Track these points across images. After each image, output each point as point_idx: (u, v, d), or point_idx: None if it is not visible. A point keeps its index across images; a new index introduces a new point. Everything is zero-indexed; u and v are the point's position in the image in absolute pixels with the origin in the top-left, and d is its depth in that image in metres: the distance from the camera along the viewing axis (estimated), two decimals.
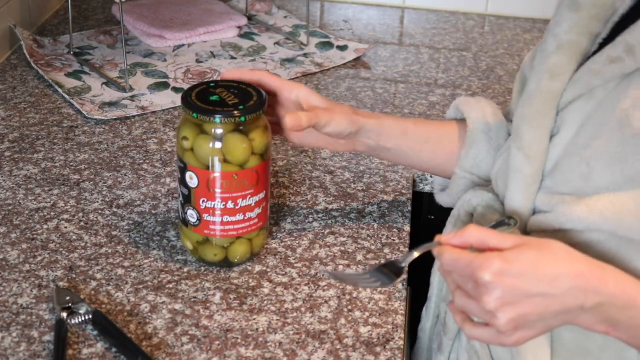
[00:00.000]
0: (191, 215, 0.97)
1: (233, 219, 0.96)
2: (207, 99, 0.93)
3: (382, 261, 0.87)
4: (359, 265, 1.01)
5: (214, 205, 0.95)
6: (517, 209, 0.87)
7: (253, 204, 0.96)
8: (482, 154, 1.01)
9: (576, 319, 0.76)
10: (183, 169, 0.95)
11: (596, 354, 0.84)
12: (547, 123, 0.86)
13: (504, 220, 0.86)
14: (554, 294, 0.74)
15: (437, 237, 0.80)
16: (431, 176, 1.21)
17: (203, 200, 0.95)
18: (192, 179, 0.95)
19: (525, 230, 0.87)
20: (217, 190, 0.94)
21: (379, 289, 0.97)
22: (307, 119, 0.94)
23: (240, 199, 0.95)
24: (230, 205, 0.95)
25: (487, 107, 1.04)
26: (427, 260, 1.04)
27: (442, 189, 1.11)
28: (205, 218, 0.96)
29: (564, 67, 0.85)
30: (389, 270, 0.83)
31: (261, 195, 0.96)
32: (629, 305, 0.75)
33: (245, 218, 0.96)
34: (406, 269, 0.84)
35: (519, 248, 0.75)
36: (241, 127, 0.93)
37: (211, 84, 0.97)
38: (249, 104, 0.92)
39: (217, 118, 0.91)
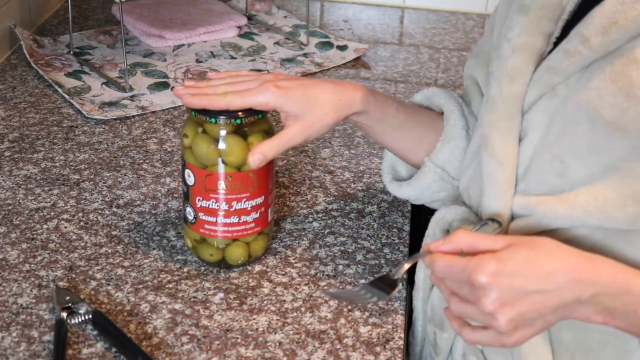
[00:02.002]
0: (189, 213, 0.97)
1: (228, 221, 0.95)
2: None
3: (375, 277, 0.86)
4: (359, 265, 1.01)
5: (209, 205, 0.95)
6: (495, 216, 0.87)
7: (249, 208, 0.96)
8: (458, 151, 1.00)
9: (574, 312, 0.76)
10: (183, 167, 0.96)
11: (597, 350, 0.84)
12: (514, 127, 0.85)
13: (487, 222, 0.86)
14: (551, 289, 0.74)
15: (426, 246, 0.80)
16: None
17: (199, 199, 0.95)
18: (189, 177, 0.95)
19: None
20: (212, 190, 0.94)
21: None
22: (270, 152, 0.90)
23: (235, 202, 0.94)
24: (224, 206, 0.95)
25: (462, 104, 1.03)
26: None
27: (397, 178, 1.07)
28: (201, 217, 0.96)
29: (521, 69, 0.85)
30: (384, 284, 0.83)
31: (259, 200, 0.96)
32: (624, 292, 0.75)
33: (241, 221, 0.96)
34: (400, 280, 0.84)
35: (511, 247, 0.75)
36: (243, 130, 0.92)
37: None
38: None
39: (213, 118, 0.91)
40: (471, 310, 0.77)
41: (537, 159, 0.84)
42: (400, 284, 0.84)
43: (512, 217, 0.86)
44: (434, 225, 0.96)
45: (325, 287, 0.97)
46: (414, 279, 0.99)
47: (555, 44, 0.85)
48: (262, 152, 0.90)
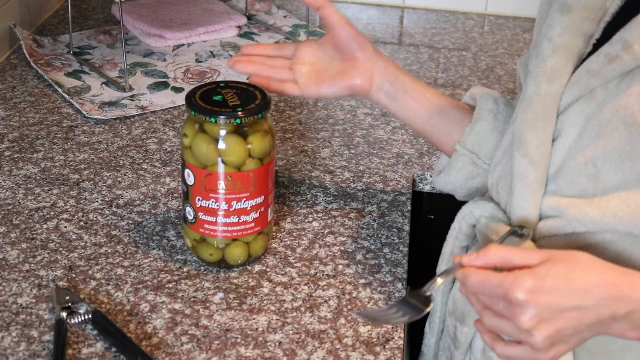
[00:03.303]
0: (189, 212, 0.97)
1: (228, 221, 0.95)
2: (210, 99, 0.93)
3: (406, 294, 0.84)
4: (359, 265, 1.01)
5: (209, 205, 0.95)
6: (524, 216, 0.86)
7: (249, 208, 0.96)
8: (486, 132, 1.00)
9: (609, 328, 0.76)
10: (183, 167, 0.96)
11: (619, 355, 0.83)
12: (549, 127, 0.85)
13: (516, 231, 0.84)
14: (588, 306, 0.73)
15: (458, 259, 0.78)
16: (431, 176, 1.21)
17: (199, 199, 0.95)
18: (189, 177, 0.95)
19: (534, 237, 0.86)
20: (212, 190, 0.94)
21: (379, 289, 0.97)
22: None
23: (235, 202, 0.94)
24: (224, 206, 0.95)
25: (499, 95, 1.04)
26: (427, 260, 1.05)
27: (440, 172, 1.09)
28: (200, 217, 0.96)
29: (561, 70, 0.85)
30: (417, 301, 0.81)
31: (259, 200, 0.96)
32: None
33: (241, 221, 0.96)
34: (433, 297, 0.81)
35: (548, 263, 0.74)
36: (242, 130, 0.92)
37: (221, 84, 0.97)
38: (248, 107, 0.92)
39: (213, 118, 0.91)
40: (506, 326, 0.76)
41: (570, 161, 0.83)
42: (433, 301, 0.82)
43: (541, 218, 0.86)
44: (461, 220, 0.95)
45: (326, 287, 0.97)
46: (435, 271, 0.98)
47: (595, 46, 0.84)
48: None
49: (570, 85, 0.84)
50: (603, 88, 0.81)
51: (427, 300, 0.80)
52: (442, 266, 0.98)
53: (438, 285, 0.80)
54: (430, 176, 1.21)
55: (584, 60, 0.84)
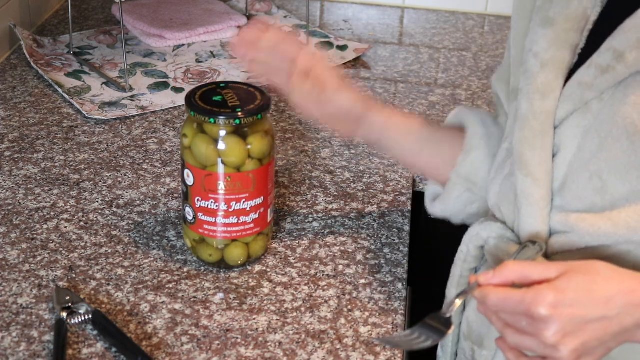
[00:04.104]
0: (188, 213, 0.97)
1: (227, 221, 0.95)
2: (210, 99, 0.93)
3: (426, 317, 0.84)
4: (359, 265, 1.01)
5: (208, 205, 0.95)
6: (534, 233, 0.85)
7: (248, 209, 0.96)
8: (480, 160, 0.99)
9: (634, 336, 0.75)
10: (182, 167, 0.96)
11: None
12: (547, 143, 0.84)
13: (527, 245, 0.83)
14: (611, 315, 0.73)
15: (474, 278, 0.77)
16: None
17: (198, 200, 0.95)
18: (188, 177, 0.95)
19: (547, 253, 0.85)
20: (211, 190, 0.94)
21: (379, 289, 0.97)
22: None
23: (234, 202, 0.94)
24: (223, 207, 0.95)
25: (486, 116, 1.02)
26: (427, 260, 1.05)
27: (434, 198, 1.07)
28: (200, 217, 0.96)
29: (552, 84, 0.84)
30: (437, 323, 0.80)
31: (258, 200, 0.96)
32: None
33: (240, 222, 0.96)
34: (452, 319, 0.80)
35: (567, 275, 0.74)
36: (242, 130, 0.92)
37: (221, 85, 0.97)
38: (247, 107, 0.92)
39: (212, 118, 0.91)
40: (530, 343, 0.75)
41: (574, 175, 0.82)
42: (453, 322, 0.81)
43: (550, 234, 0.85)
44: (468, 242, 0.93)
45: (326, 287, 0.97)
46: (435, 272, 0.97)
47: (581, 55, 0.83)
48: None
49: (563, 99, 0.83)
50: (598, 99, 0.80)
51: (448, 322, 0.79)
52: (451, 289, 0.96)
53: (457, 307, 0.79)
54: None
55: (572, 71, 0.83)
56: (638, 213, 0.78)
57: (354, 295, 0.96)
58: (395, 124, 1.01)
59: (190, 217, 0.97)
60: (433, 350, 1.02)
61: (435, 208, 1.04)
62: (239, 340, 0.89)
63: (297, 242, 1.05)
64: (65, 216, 1.08)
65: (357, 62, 1.56)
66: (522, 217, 0.86)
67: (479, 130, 0.99)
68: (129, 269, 0.99)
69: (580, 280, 0.73)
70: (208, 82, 0.98)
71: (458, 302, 0.80)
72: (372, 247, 1.05)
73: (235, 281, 0.98)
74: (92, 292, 0.95)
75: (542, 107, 0.84)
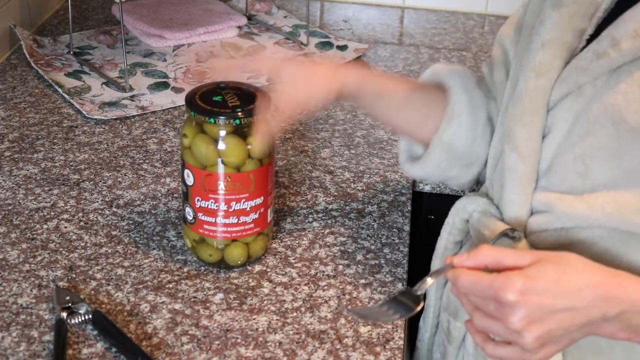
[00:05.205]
0: (188, 213, 0.97)
1: (227, 221, 0.96)
2: (210, 99, 0.93)
3: (397, 293, 0.84)
4: (359, 265, 1.01)
5: (208, 205, 0.95)
6: (515, 210, 0.87)
7: (248, 209, 0.96)
8: (463, 128, 0.98)
9: (599, 329, 0.76)
10: (182, 167, 0.96)
11: (606, 350, 0.84)
12: (538, 121, 0.85)
13: (507, 233, 0.85)
14: (578, 307, 0.74)
15: (449, 259, 0.79)
16: None
17: (198, 200, 0.95)
18: (188, 177, 0.95)
19: (525, 231, 0.87)
20: (211, 191, 0.94)
21: (379, 289, 0.97)
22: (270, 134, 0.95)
23: (234, 202, 0.94)
24: (223, 207, 0.95)
25: (467, 79, 1.01)
26: (427, 260, 1.05)
27: (409, 157, 1.06)
28: (200, 217, 0.96)
29: (548, 64, 0.85)
30: (407, 300, 0.81)
31: (258, 200, 0.96)
32: None
33: (240, 222, 0.96)
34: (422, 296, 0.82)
35: (539, 264, 0.74)
36: (242, 130, 0.92)
37: (221, 85, 0.97)
38: (247, 107, 0.92)
39: (212, 118, 0.91)
40: (496, 327, 0.76)
41: (560, 157, 0.84)
42: (423, 300, 0.82)
43: (532, 212, 0.86)
44: (454, 215, 0.96)
45: (326, 287, 0.97)
46: (429, 266, 0.98)
47: (588, 42, 0.84)
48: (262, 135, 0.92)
49: (559, 80, 0.84)
50: (591, 84, 0.81)
51: (417, 299, 0.81)
52: (435, 260, 0.98)
53: (428, 285, 0.81)
54: None
55: (576, 56, 0.84)
56: (615, 200, 0.79)
57: (354, 295, 0.96)
58: (368, 89, 0.99)
59: (190, 217, 0.97)
60: (415, 320, 1.04)
61: (414, 170, 1.04)
62: (239, 340, 0.89)
63: (297, 242, 1.05)
64: (65, 216, 1.08)
65: (357, 62, 1.56)
66: (504, 192, 0.88)
67: (462, 98, 0.98)
68: (129, 269, 0.99)
69: (551, 270, 0.74)
70: (208, 82, 0.98)
71: (429, 281, 0.81)
72: (372, 247, 1.05)
73: (235, 281, 0.98)
74: (92, 292, 0.95)
75: (535, 85, 0.85)
